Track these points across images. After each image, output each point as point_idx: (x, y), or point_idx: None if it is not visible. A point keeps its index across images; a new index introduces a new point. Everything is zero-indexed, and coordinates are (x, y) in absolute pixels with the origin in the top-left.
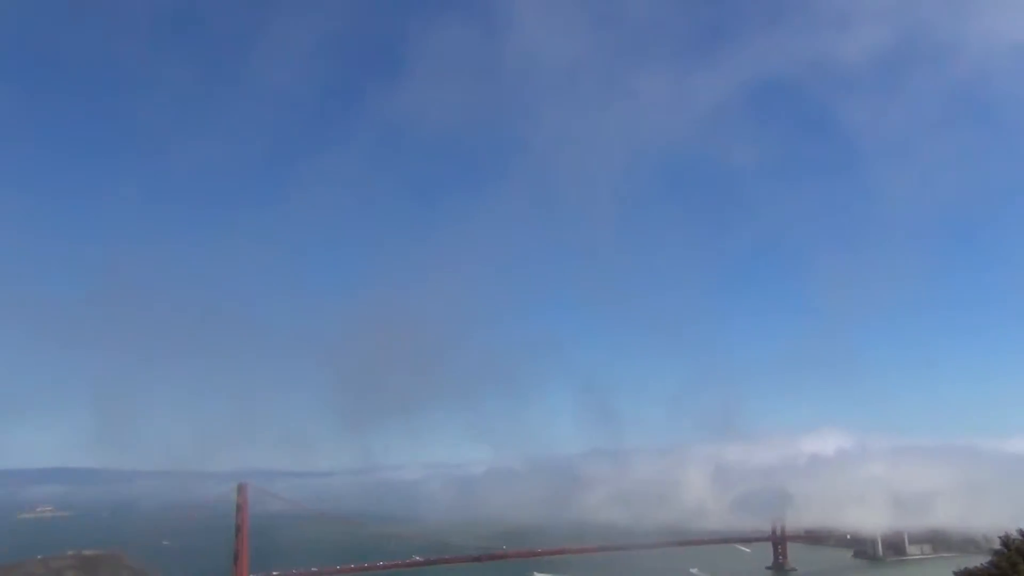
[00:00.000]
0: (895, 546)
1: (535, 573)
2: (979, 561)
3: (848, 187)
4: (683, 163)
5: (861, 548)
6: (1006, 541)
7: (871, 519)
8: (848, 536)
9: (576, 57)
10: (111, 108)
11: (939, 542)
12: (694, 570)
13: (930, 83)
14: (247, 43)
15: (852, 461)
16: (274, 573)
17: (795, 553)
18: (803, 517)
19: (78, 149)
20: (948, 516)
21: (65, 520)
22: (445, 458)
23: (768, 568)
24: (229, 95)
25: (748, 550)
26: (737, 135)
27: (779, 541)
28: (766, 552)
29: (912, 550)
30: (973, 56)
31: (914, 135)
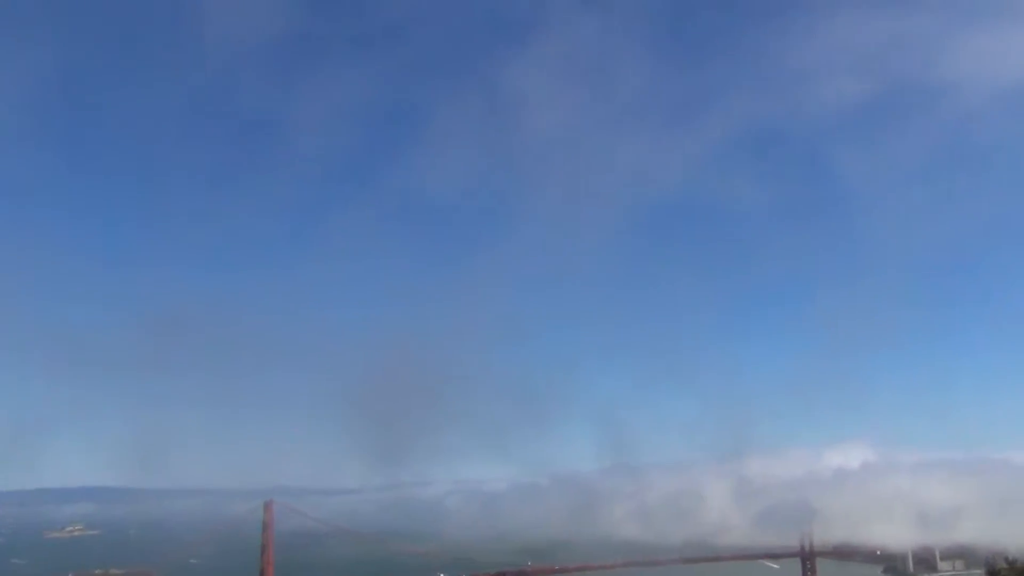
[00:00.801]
0: (926, 562)
1: None
2: None
3: (841, 226)
4: (685, 209)
5: (891, 564)
6: (1007, 558)
7: (898, 534)
8: (878, 552)
9: (577, 123)
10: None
11: (971, 558)
12: None
13: (915, 128)
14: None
15: (878, 475)
16: None
17: (824, 569)
18: (832, 532)
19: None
20: (975, 531)
21: (94, 538)
22: (468, 475)
23: None
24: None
25: (776, 566)
26: (732, 183)
27: (808, 557)
28: (794, 568)
29: (944, 566)
30: (959, 101)
31: (902, 177)
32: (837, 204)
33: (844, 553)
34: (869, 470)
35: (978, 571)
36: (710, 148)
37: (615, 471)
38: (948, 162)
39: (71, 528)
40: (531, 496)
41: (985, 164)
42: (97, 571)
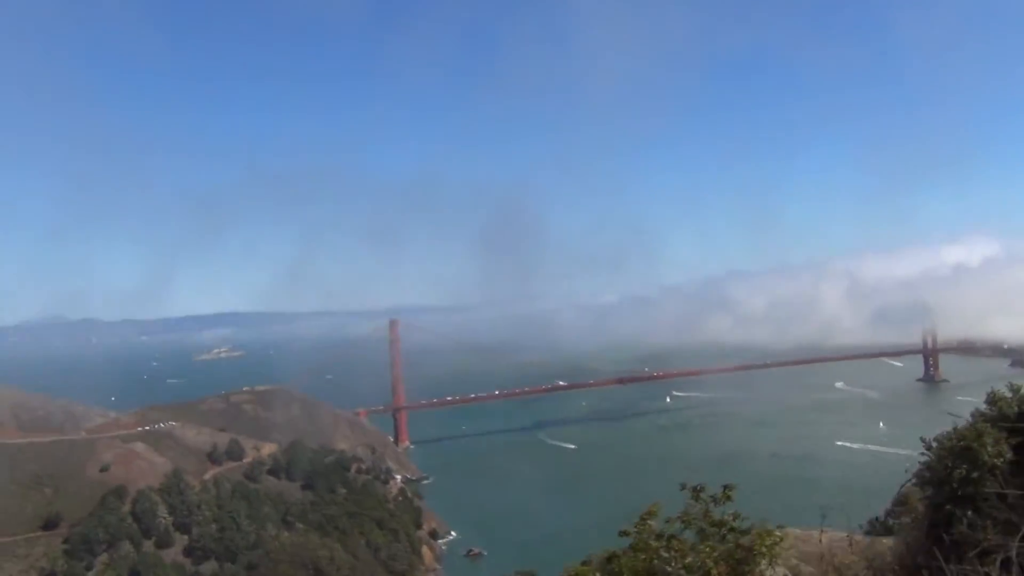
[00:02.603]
0: None
1: (674, 392)
2: None
3: None
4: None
5: (1019, 357)
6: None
7: (1013, 328)
8: (1005, 346)
9: None
10: None
11: None
12: (839, 384)
13: None
14: None
15: (999, 268)
16: (434, 400)
17: (947, 365)
18: (953, 329)
19: None
20: None
21: (238, 360)
22: (580, 291)
23: (919, 380)
24: None
25: (900, 364)
26: None
27: (930, 353)
28: (916, 365)
29: None
30: None
31: None
32: None
33: (968, 349)
34: (990, 264)
35: None
36: None
37: (729, 278)
38: None
39: (218, 351)
40: (641, 308)
41: None
42: (245, 388)
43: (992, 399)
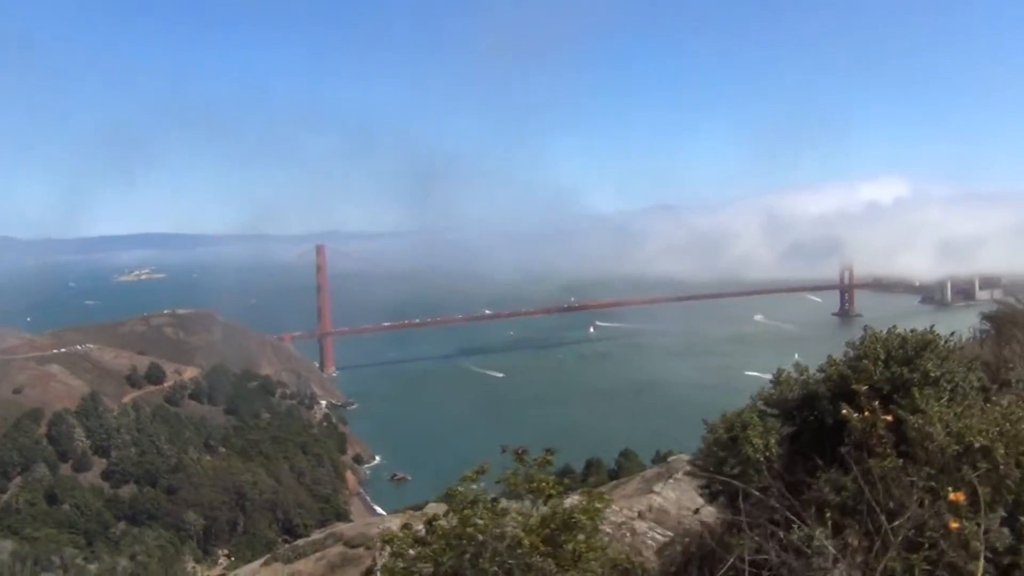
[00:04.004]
0: (964, 292)
1: (597, 322)
2: None
3: None
4: None
5: (929, 294)
6: None
7: (931, 266)
8: (916, 283)
9: None
10: None
11: (1015, 287)
12: (758, 317)
13: None
14: None
15: (910, 208)
16: (361, 326)
17: (862, 300)
18: (868, 266)
19: None
20: (998, 261)
21: (160, 282)
22: (500, 219)
23: (834, 315)
24: None
25: (819, 300)
26: None
27: (846, 289)
28: (834, 300)
29: (982, 295)
30: None
31: None
32: None
33: (882, 285)
34: (901, 204)
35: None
36: None
37: (652, 211)
38: None
39: (138, 272)
40: (566, 238)
41: None
42: (165, 311)
43: (777, 379)
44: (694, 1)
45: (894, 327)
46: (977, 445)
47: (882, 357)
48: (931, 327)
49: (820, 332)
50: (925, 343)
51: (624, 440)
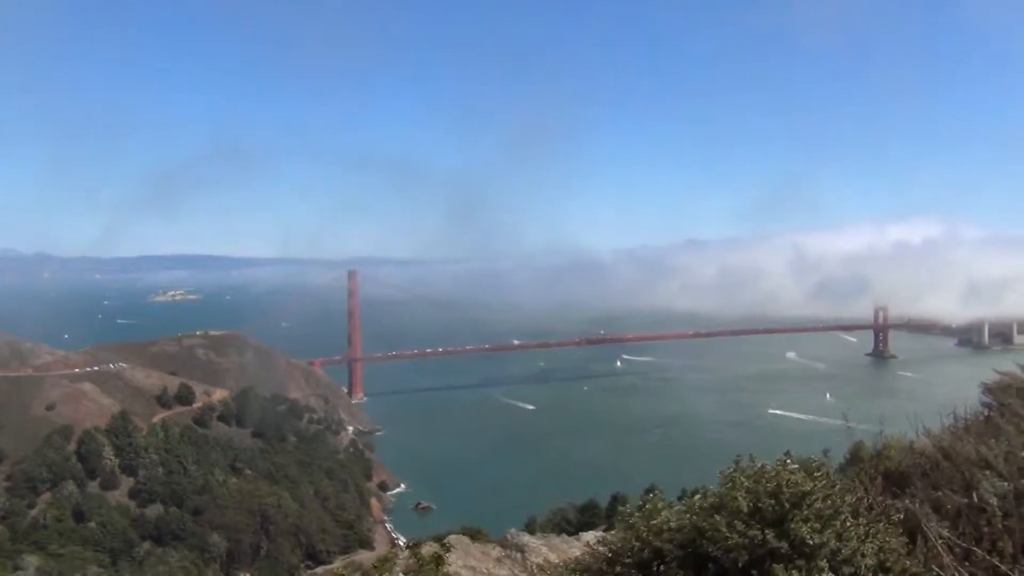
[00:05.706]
0: (1002, 335)
1: (624, 356)
2: None
3: None
4: None
5: (966, 336)
6: None
7: (969, 308)
8: (953, 325)
9: None
10: None
11: None
12: (791, 354)
13: None
14: None
15: (939, 250)
16: (390, 352)
17: (897, 341)
18: (901, 306)
19: None
20: None
21: (193, 303)
22: (532, 251)
23: (868, 355)
24: None
25: (854, 339)
26: None
27: (880, 329)
28: (868, 340)
29: (1020, 340)
30: None
31: None
32: None
33: (918, 326)
34: (931, 245)
35: None
36: None
37: (680, 247)
38: None
39: (173, 293)
40: (595, 271)
41: None
42: (198, 332)
43: (626, 519)
44: (725, 36)
45: (786, 454)
46: None
47: (744, 510)
48: (824, 451)
49: (852, 372)
50: (802, 495)
51: (649, 477)
